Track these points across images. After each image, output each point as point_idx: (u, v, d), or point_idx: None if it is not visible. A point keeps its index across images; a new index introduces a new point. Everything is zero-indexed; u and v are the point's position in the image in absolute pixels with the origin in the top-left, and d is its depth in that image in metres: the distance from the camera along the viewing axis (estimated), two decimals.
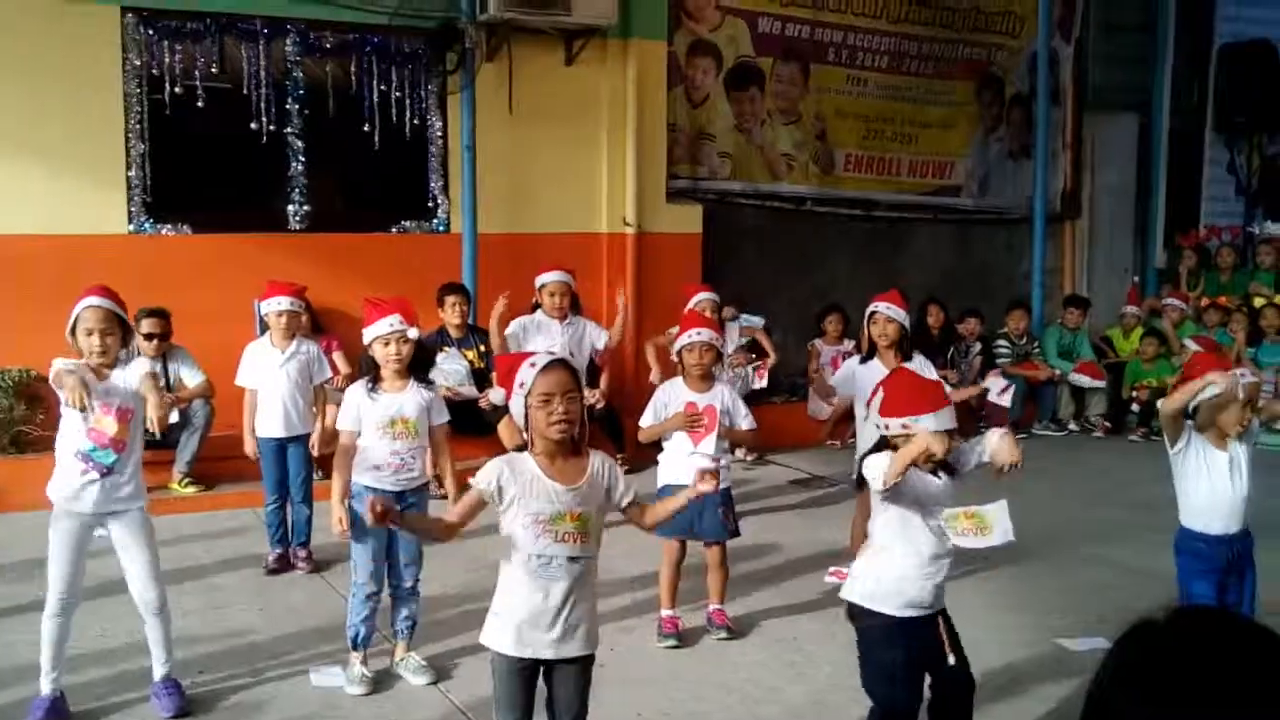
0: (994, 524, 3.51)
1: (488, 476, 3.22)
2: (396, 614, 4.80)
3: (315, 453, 6.20)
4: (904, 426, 3.48)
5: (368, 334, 4.68)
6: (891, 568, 3.56)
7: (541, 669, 3.31)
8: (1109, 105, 11.68)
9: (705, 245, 9.41)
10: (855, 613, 3.66)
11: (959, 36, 10.85)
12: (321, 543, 6.21)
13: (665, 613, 5.15)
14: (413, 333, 4.65)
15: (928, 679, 3.62)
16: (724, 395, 5.20)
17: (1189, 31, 11.82)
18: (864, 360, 5.80)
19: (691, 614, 5.28)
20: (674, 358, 5.35)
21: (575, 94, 8.96)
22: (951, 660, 3.56)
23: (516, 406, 3.26)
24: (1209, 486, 4.23)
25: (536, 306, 7.08)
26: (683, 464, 5.06)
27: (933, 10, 10.61)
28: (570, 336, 6.90)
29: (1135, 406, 9.91)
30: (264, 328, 6.37)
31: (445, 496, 4.85)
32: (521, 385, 3.21)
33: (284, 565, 6.09)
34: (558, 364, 3.27)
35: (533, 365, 3.23)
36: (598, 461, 3.32)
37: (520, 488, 3.20)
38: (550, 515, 3.19)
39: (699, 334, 5.15)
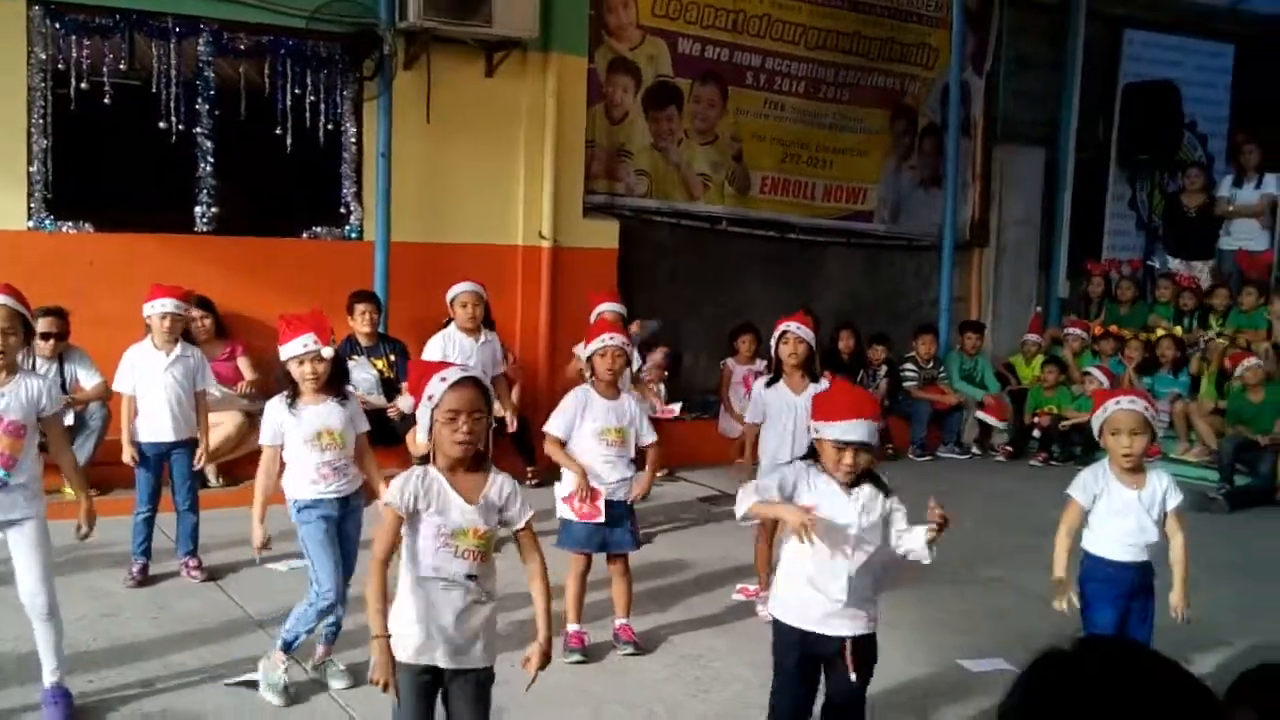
0: None
1: (398, 492, 3.21)
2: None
3: (200, 466, 6.09)
4: (816, 430, 3.63)
5: (283, 352, 4.62)
6: (796, 583, 3.68)
7: (440, 688, 3.30)
8: (1017, 138, 11.95)
9: (621, 261, 9.42)
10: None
11: (874, 66, 11.02)
12: (208, 549, 6.12)
13: (572, 627, 5.10)
14: (327, 351, 4.60)
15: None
16: (629, 406, 5.20)
17: (1095, 70, 12.14)
18: (770, 384, 5.80)
19: (598, 630, 5.25)
20: (582, 366, 5.37)
21: (494, 105, 8.91)
22: (853, 678, 3.65)
23: (423, 417, 3.25)
24: (1117, 519, 4.29)
25: (449, 321, 7.00)
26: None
27: (849, 39, 10.77)
28: (484, 356, 6.79)
29: (1036, 432, 10.12)
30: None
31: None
32: (430, 398, 3.20)
33: (148, 577, 5.90)
34: (468, 381, 3.24)
35: (443, 380, 3.21)
36: (500, 480, 3.31)
37: (429, 500, 3.21)
38: (453, 530, 3.21)
39: (611, 339, 5.16)
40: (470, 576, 3.23)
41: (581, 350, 6.88)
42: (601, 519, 5.04)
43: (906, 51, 11.21)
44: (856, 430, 3.55)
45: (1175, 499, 4.31)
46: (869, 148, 11.13)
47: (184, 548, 6.02)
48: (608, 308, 7.03)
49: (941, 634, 5.50)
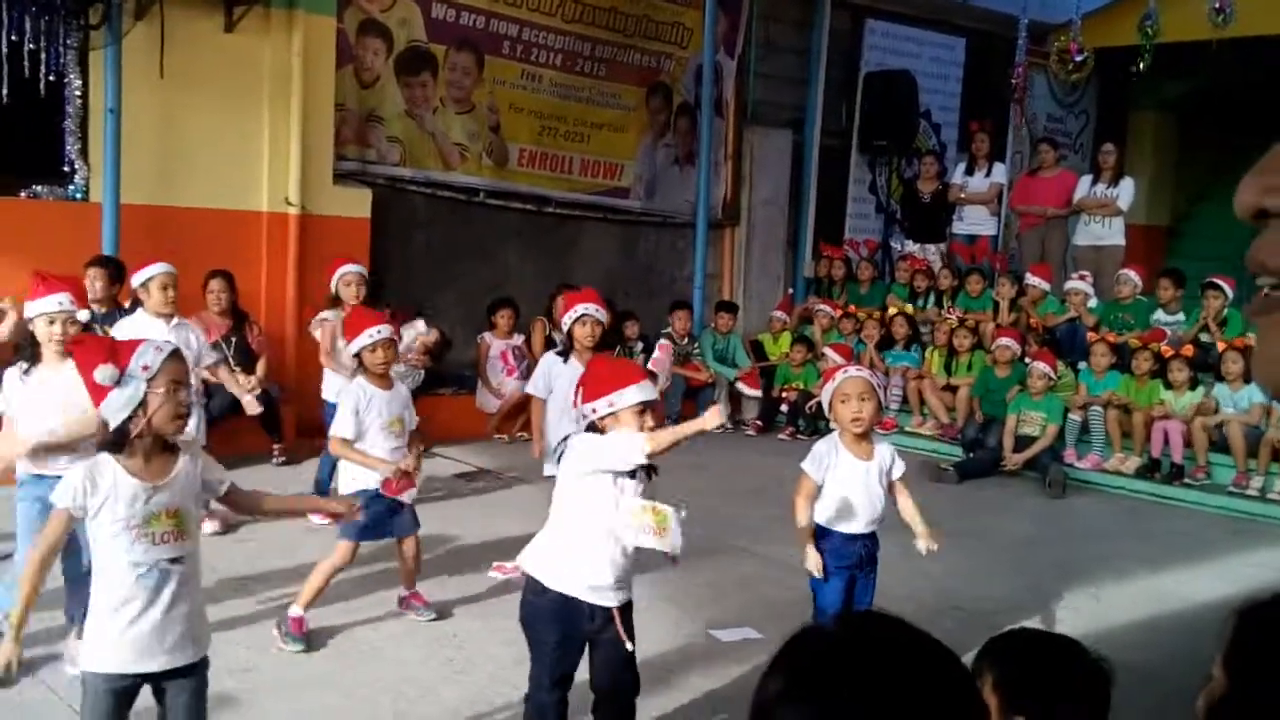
0: (670, 528, 3.49)
1: (66, 493, 2.97)
2: (68, 599, 4.44)
3: None
4: (610, 404, 3.52)
5: (32, 308, 4.30)
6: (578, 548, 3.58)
7: (149, 687, 3.08)
8: (767, 121, 12.27)
9: (374, 232, 9.12)
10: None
11: (630, 42, 11.07)
12: None
13: (298, 613, 4.82)
14: (82, 315, 4.40)
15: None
16: (403, 392, 5.21)
17: (839, 57, 12.59)
18: (562, 355, 5.84)
19: (372, 607, 5.05)
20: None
21: (235, 63, 8.44)
22: (630, 647, 3.60)
23: (135, 390, 2.96)
24: (847, 490, 4.40)
25: (135, 305, 6.40)
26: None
27: (606, 14, 10.76)
28: (177, 341, 6.24)
29: (784, 407, 10.45)
30: None
31: None
32: (146, 369, 2.96)
33: None
34: (178, 354, 3.09)
35: (159, 350, 3.00)
36: (185, 456, 3.11)
37: (104, 494, 2.95)
38: (143, 518, 2.97)
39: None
40: (175, 559, 3.01)
41: (328, 318, 6.69)
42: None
43: (661, 30, 11.30)
44: (650, 389, 3.56)
45: (899, 469, 4.48)
46: (625, 124, 11.18)
47: None
48: (349, 270, 6.91)
49: (691, 604, 5.57)
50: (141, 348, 3.01)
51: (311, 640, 4.82)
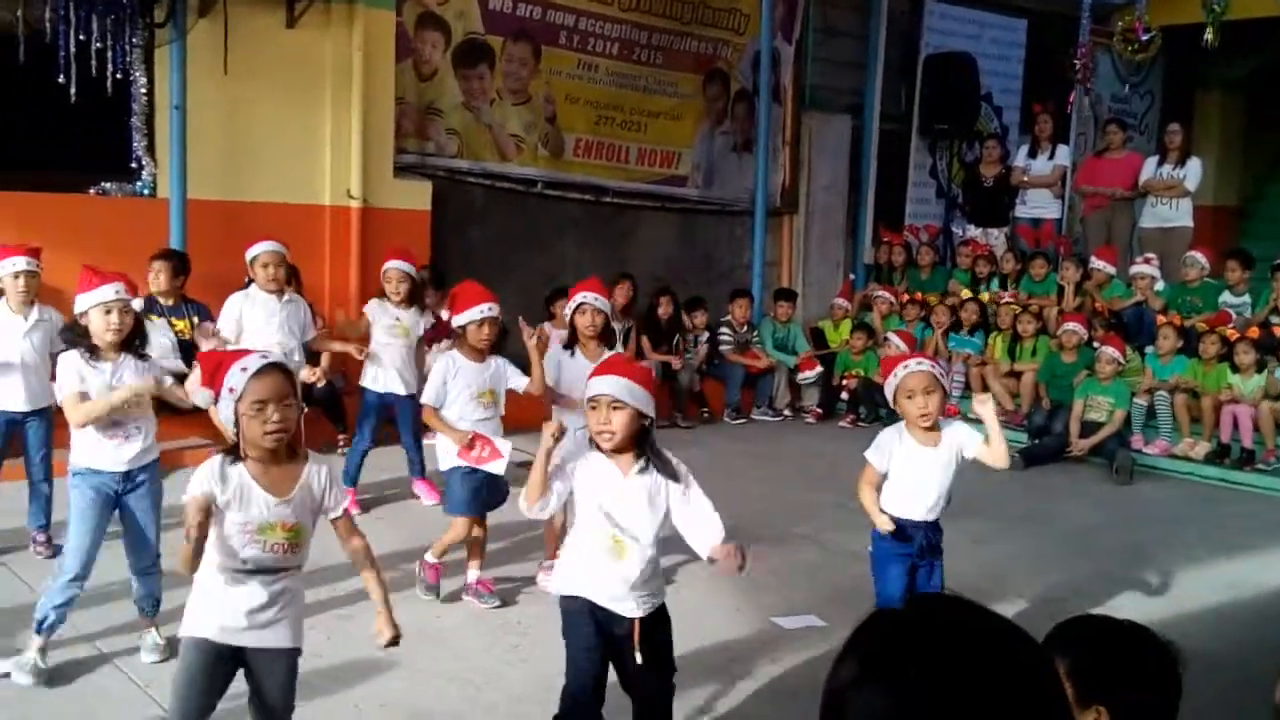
0: (629, 559, 3.51)
1: (202, 480, 3.05)
2: (138, 591, 4.52)
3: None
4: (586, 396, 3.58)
5: (85, 300, 4.34)
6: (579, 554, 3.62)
7: (241, 664, 3.18)
8: (825, 106, 12.18)
9: (433, 223, 9.20)
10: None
11: (687, 30, 11.04)
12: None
13: (434, 560, 5.30)
14: (137, 303, 4.50)
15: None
16: (496, 365, 5.39)
17: (899, 41, 12.47)
18: (566, 347, 5.75)
19: (408, 600, 5.12)
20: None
21: (297, 58, 8.54)
22: (639, 659, 3.52)
23: (226, 411, 3.07)
24: (912, 477, 4.39)
25: (250, 282, 6.68)
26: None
27: (662, 2, 10.75)
28: (290, 315, 6.52)
29: (844, 395, 10.40)
30: None
31: None
32: (232, 391, 3.03)
33: None
34: (271, 368, 3.08)
35: (244, 370, 3.03)
36: (313, 469, 3.19)
37: (230, 496, 3.05)
38: (259, 524, 3.07)
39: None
40: (280, 568, 3.12)
41: (375, 308, 6.77)
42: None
43: (718, 16, 11.26)
44: (599, 385, 3.48)
45: (972, 448, 4.37)
46: (683, 112, 11.16)
47: (36, 521, 5.70)
48: (392, 266, 6.91)
49: (754, 592, 5.57)
50: (231, 370, 3.04)
51: (442, 592, 5.30)
